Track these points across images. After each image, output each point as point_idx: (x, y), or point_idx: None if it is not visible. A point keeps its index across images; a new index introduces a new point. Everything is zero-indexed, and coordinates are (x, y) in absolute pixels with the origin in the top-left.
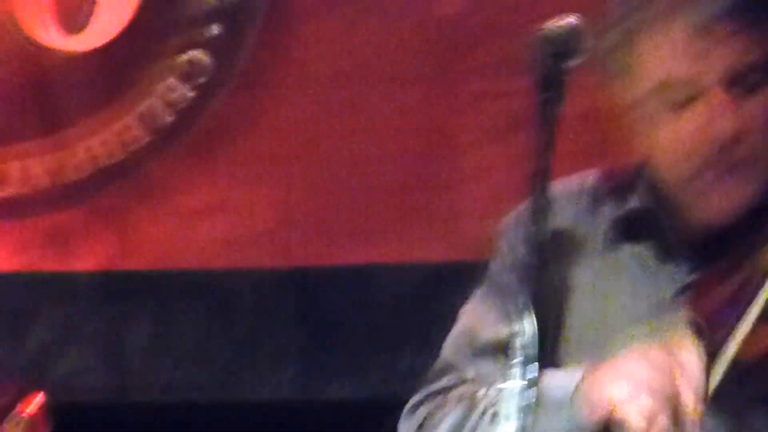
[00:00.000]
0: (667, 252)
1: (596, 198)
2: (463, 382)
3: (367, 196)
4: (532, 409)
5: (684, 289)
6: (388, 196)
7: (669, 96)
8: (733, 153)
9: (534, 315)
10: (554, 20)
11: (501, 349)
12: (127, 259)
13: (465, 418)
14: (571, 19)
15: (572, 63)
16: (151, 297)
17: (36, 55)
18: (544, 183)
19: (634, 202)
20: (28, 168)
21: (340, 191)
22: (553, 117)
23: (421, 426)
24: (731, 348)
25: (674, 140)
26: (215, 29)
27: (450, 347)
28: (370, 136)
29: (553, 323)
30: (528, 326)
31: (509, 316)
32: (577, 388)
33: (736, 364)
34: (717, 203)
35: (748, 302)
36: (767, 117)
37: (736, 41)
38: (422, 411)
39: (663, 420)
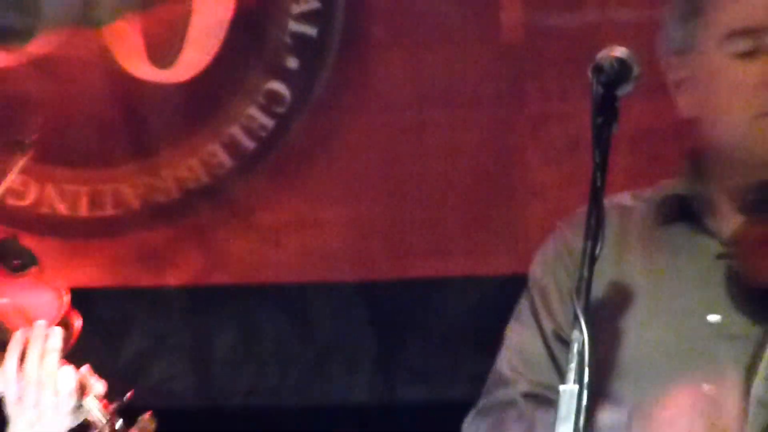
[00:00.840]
0: (703, 228)
1: (646, 199)
2: (523, 396)
3: (436, 212)
4: (587, 412)
5: (723, 254)
6: (457, 212)
7: (737, 46)
8: None
9: (585, 323)
10: (607, 50)
11: (550, 359)
12: (213, 274)
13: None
14: (622, 50)
15: (622, 91)
16: (236, 309)
17: (129, 87)
18: (598, 199)
19: (672, 189)
20: (121, 191)
21: (411, 208)
22: (607, 139)
23: None
24: None
25: (739, 87)
26: (292, 63)
27: (503, 361)
28: (439, 156)
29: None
30: (580, 334)
31: (556, 325)
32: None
33: None
34: None
35: None
36: None
37: None
38: (482, 426)
39: None
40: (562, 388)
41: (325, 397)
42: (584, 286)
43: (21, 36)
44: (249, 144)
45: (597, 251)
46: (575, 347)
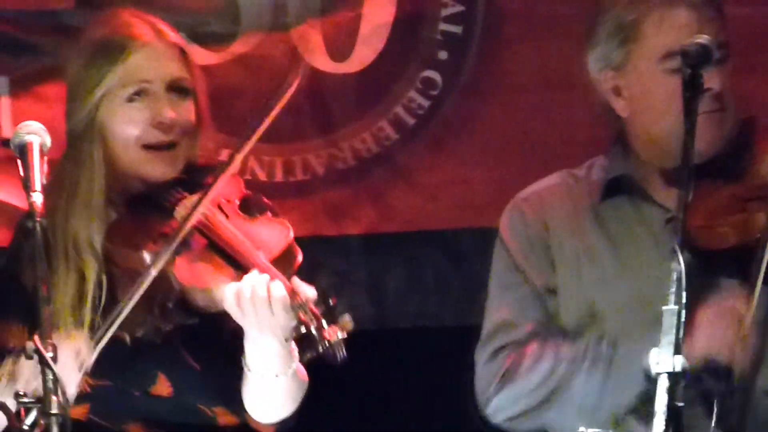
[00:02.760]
0: (648, 199)
1: (583, 178)
2: (527, 334)
3: (561, 158)
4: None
5: (671, 219)
6: (578, 158)
7: (670, 64)
8: (716, 100)
9: (682, 257)
10: (690, 40)
11: (541, 304)
12: (384, 224)
13: (555, 366)
14: (704, 37)
15: (704, 70)
16: (402, 252)
17: (313, 78)
18: (688, 157)
19: (613, 170)
20: (308, 160)
21: (538, 168)
22: (695, 107)
23: (505, 375)
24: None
25: (674, 95)
26: (443, 55)
27: (499, 311)
28: (564, 129)
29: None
30: (678, 265)
31: (542, 281)
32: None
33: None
34: (705, 138)
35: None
36: (729, 80)
37: (714, 22)
38: (500, 361)
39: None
40: (664, 308)
41: (477, 318)
42: (681, 227)
43: (225, 39)
44: (410, 120)
45: (688, 199)
46: (674, 275)
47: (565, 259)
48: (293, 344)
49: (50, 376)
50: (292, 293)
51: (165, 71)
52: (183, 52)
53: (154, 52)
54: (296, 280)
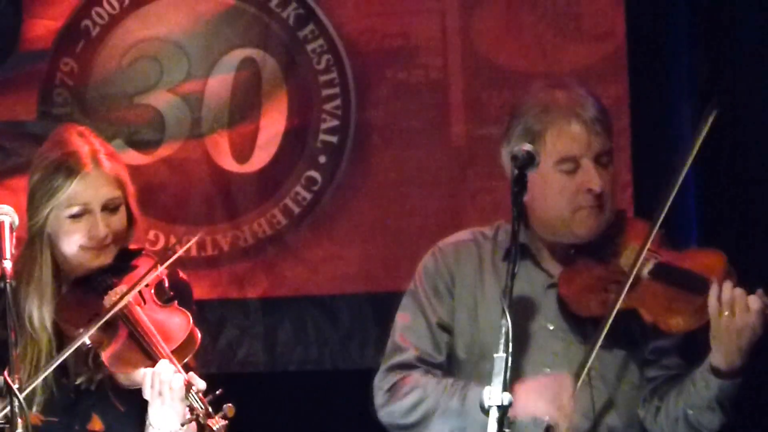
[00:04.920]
0: (538, 265)
1: (491, 239)
2: (417, 360)
3: (414, 244)
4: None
5: (552, 285)
6: (426, 240)
7: (563, 167)
8: (597, 199)
9: (509, 316)
10: (519, 147)
11: (432, 337)
12: (276, 290)
13: (422, 398)
14: (528, 146)
15: (529, 171)
16: (291, 311)
17: (221, 175)
18: (516, 238)
19: (519, 239)
20: (217, 239)
21: (398, 244)
22: (521, 201)
23: (389, 391)
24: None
25: (564, 191)
26: (323, 158)
27: (396, 334)
28: (418, 217)
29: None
30: (506, 322)
31: (437, 318)
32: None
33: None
34: (585, 227)
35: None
36: (612, 182)
37: (601, 134)
38: (389, 380)
39: (554, 414)
40: (496, 355)
41: (349, 364)
42: (508, 292)
43: (152, 144)
44: (296, 209)
45: (515, 270)
46: (503, 330)
47: (465, 304)
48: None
49: (17, 404)
50: (188, 385)
51: (100, 195)
52: (115, 176)
53: (93, 180)
54: (192, 374)
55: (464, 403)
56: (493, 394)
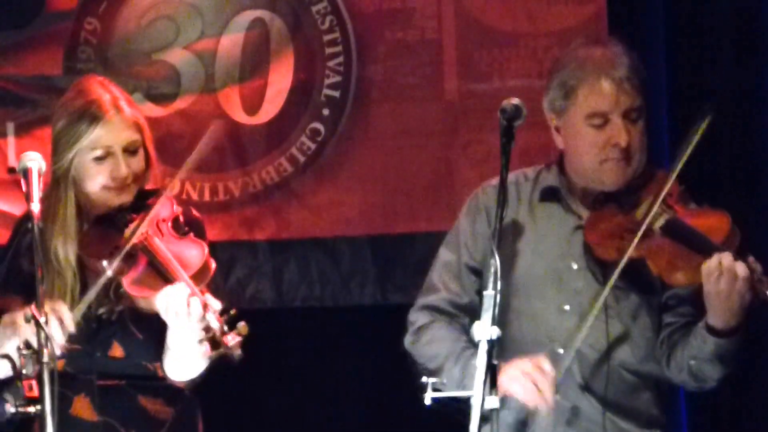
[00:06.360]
0: (567, 209)
1: (531, 180)
2: (446, 303)
3: (408, 191)
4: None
5: (579, 227)
6: (417, 192)
7: (593, 121)
8: (624, 152)
9: (498, 255)
10: (507, 100)
11: (461, 278)
12: (283, 232)
13: (436, 355)
14: (516, 100)
15: (516, 123)
16: (296, 252)
17: (233, 126)
18: (504, 186)
19: (549, 181)
20: (228, 185)
21: (397, 196)
22: (508, 151)
23: (418, 331)
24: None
25: (594, 144)
26: (326, 111)
27: (436, 272)
28: (413, 166)
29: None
30: (495, 261)
31: (468, 257)
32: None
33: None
34: (611, 177)
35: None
36: (641, 136)
37: (630, 93)
38: (421, 318)
39: (529, 399)
40: (485, 292)
41: (349, 301)
42: (497, 233)
43: (169, 98)
44: (301, 158)
45: (503, 214)
46: (492, 269)
47: (501, 242)
48: (206, 344)
49: (43, 335)
50: (204, 305)
51: (121, 138)
52: (134, 121)
53: (115, 124)
54: (208, 295)
55: (464, 375)
56: (483, 329)
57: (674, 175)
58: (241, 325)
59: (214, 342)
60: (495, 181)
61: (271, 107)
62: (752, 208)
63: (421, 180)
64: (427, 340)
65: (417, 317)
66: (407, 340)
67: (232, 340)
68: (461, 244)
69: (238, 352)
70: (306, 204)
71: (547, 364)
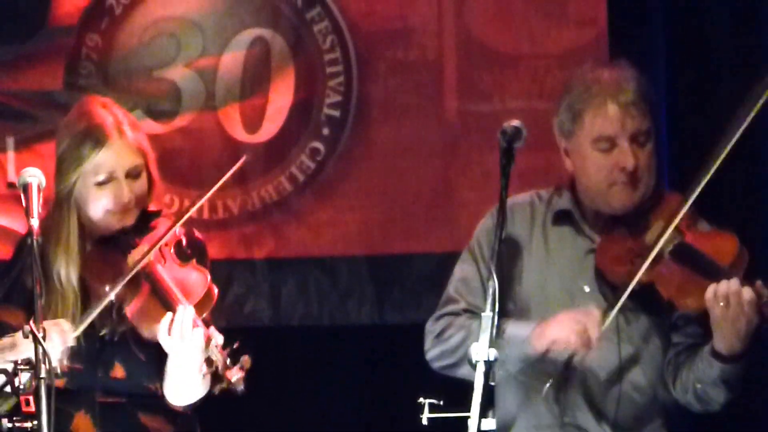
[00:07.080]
0: (580, 232)
1: (545, 202)
2: (463, 310)
3: (409, 205)
4: (497, 327)
5: (591, 250)
6: (422, 207)
7: (599, 145)
8: (631, 176)
9: (497, 276)
10: (508, 122)
11: (482, 290)
12: (281, 251)
13: (466, 337)
14: (516, 121)
15: (516, 145)
16: (294, 271)
17: (233, 144)
18: (503, 207)
19: (561, 205)
20: (227, 203)
21: (396, 214)
22: (508, 173)
23: (438, 336)
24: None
25: (601, 168)
26: (326, 131)
27: (452, 286)
28: (412, 186)
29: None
30: (494, 282)
31: (483, 274)
32: (531, 332)
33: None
34: (619, 201)
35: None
36: (649, 160)
37: (637, 116)
38: (439, 325)
39: (576, 341)
40: (483, 314)
41: (348, 320)
42: (495, 255)
43: (169, 115)
44: (301, 177)
45: (502, 234)
46: (490, 290)
47: (514, 262)
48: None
49: (41, 350)
50: (208, 339)
51: (124, 163)
52: (137, 145)
53: (118, 149)
54: (212, 328)
55: (502, 336)
56: (481, 350)
57: (687, 206)
58: (244, 359)
59: (217, 376)
60: (509, 201)
61: (271, 126)
62: (756, 222)
63: (421, 200)
64: (451, 333)
65: (435, 327)
66: (427, 348)
67: (235, 374)
68: (478, 260)
69: (240, 387)
70: (304, 223)
71: (596, 314)
